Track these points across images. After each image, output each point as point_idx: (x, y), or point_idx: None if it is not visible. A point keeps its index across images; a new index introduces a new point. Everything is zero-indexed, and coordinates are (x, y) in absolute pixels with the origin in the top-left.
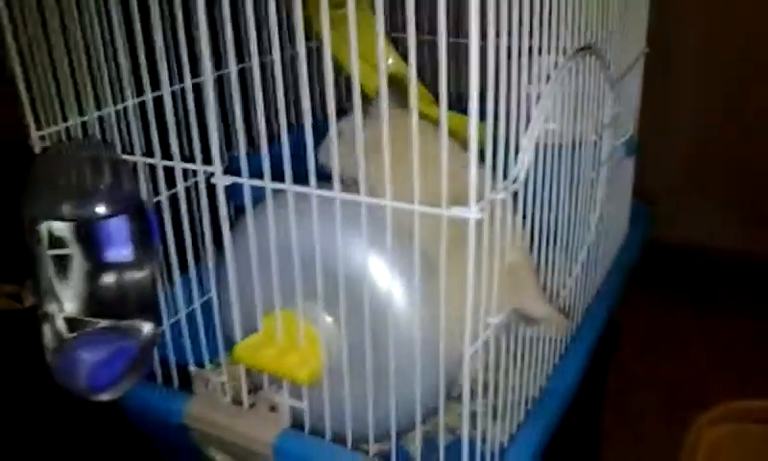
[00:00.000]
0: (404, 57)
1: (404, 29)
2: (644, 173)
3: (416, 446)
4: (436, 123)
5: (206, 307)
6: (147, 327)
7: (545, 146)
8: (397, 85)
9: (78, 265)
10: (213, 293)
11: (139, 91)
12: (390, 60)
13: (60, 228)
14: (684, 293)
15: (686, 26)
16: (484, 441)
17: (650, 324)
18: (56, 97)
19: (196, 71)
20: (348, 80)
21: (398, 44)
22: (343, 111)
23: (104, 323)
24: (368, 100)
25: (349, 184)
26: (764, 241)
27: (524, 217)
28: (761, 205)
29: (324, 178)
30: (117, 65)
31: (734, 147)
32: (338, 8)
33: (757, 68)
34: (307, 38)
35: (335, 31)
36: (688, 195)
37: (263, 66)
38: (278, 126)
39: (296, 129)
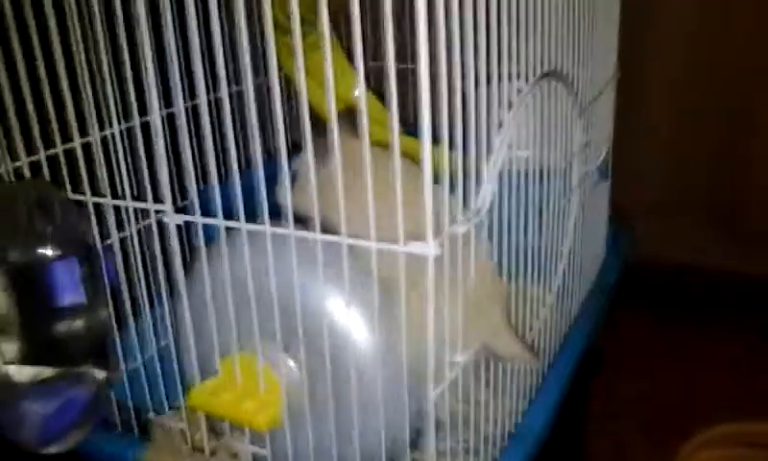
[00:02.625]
0: (375, 87)
1: (374, 58)
2: (624, 193)
3: None
4: (404, 154)
5: (167, 350)
6: (100, 374)
7: (512, 173)
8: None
9: (25, 310)
10: (170, 337)
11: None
12: (356, 92)
13: (6, 271)
14: (669, 313)
15: (664, 42)
16: None
17: (635, 345)
18: (3, 138)
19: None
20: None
21: (370, 74)
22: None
23: (54, 370)
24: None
25: (310, 223)
26: (748, 257)
27: (491, 247)
28: (744, 220)
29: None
30: (62, 104)
31: (715, 163)
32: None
33: (736, 82)
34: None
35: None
36: (669, 213)
37: (217, 102)
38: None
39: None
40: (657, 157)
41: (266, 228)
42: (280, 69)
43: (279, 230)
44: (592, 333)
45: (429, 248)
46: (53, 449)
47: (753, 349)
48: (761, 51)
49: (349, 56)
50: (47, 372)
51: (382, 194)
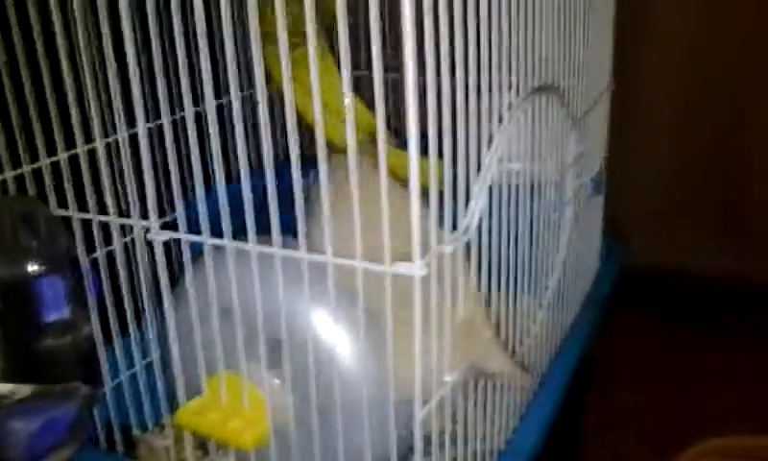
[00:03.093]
0: (368, 97)
1: (366, 67)
2: (620, 200)
3: None
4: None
5: (153, 367)
6: (85, 390)
7: (503, 187)
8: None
9: (10, 326)
10: (154, 354)
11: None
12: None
13: None
14: (666, 320)
15: (658, 52)
16: None
17: (632, 354)
18: None
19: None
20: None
21: (360, 83)
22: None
23: (38, 387)
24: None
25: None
26: (746, 262)
27: (480, 264)
28: (740, 225)
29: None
30: (48, 117)
31: (711, 168)
32: (293, 48)
33: (732, 90)
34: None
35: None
36: (666, 219)
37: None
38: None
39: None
40: (653, 163)
41: (252, 246)
42: (272, 82)
43: (265, 249)
44: (586, 346)
45: (416, 268)
46: None
47: (752, 357)
48: (755, 62)
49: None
50: (31, 389)
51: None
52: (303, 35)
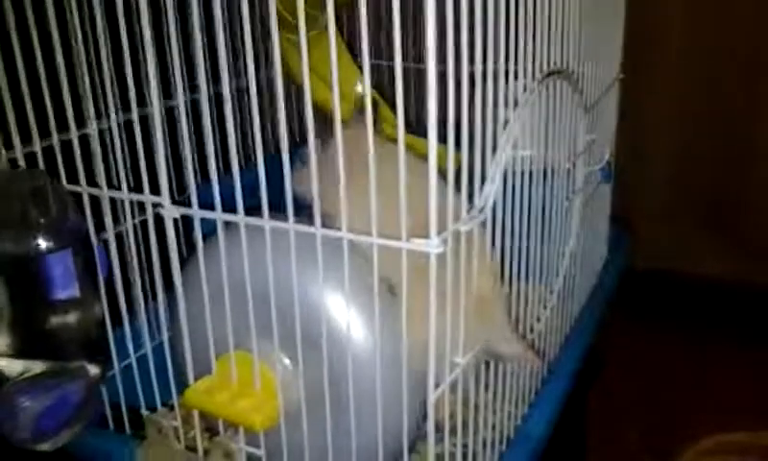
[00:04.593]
0: (379, 83)
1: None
2: (625, 199)
3: None
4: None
5: (162, 347)
6: (94, 370)
7: (516, 173)
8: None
9: (19, 303)
10: (164, 333)
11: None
12: (358, 87)
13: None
14: (670, 321)
15: (667, 48)
16: None
17: (635, 353)
18: None
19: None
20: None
21: (376, 71)
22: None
23: (47, 365)
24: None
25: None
26: (748, 266)
27: (493, 247)
28: (744, 230)
29: (302, 208)
30: (60, 94)
31: (716, 172)
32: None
33: (738, 89)
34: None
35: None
36: (671, 221)
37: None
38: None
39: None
40: (659, 164)
41: (265, 222)
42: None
43: (278, 224)
44: (593, 336)
45: (432, 245)
46: (46, 446)
47: (751, 355)
48: (764, 55)
49: (349, 51)
50: (39, 367)
51: (393, 190)
52: (309, 18)
